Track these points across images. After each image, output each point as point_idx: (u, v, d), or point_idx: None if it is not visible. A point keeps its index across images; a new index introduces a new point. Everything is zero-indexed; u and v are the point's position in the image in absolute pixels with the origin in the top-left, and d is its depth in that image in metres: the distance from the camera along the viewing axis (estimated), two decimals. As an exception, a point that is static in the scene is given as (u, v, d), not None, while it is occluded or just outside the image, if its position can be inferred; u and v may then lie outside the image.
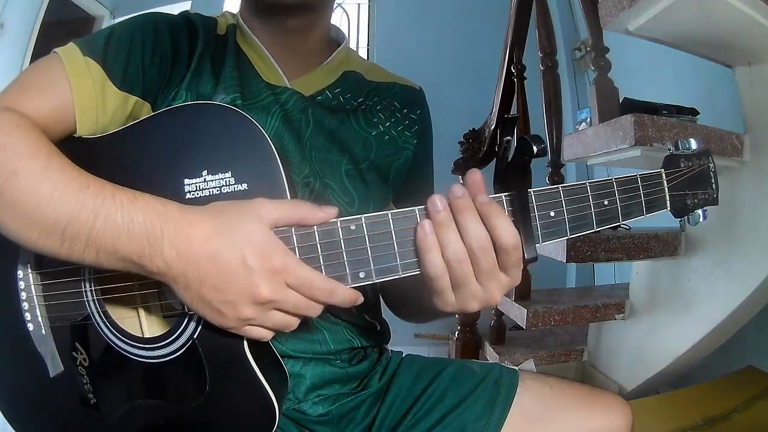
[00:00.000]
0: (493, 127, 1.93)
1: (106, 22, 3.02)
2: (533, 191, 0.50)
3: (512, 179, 0.49)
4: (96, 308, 0.57)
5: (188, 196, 0.50)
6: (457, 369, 0.71)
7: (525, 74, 1.90)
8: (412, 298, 0.61)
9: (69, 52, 0.57)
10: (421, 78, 0.82)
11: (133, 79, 0.59)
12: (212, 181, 0.50)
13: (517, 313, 1.64)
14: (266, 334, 0.49)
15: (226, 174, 0.50)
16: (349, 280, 0.49)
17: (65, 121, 0.55)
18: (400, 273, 0.49)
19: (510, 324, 1.86)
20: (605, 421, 0.66)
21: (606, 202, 0.52)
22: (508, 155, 0.50)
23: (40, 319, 0.59)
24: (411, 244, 0.48)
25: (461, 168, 2.03)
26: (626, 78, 1.68)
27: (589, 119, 1.55)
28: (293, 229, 0.48)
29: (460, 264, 0.47)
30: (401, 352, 0.79)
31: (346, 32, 0.78)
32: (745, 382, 1.42)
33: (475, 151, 2.03)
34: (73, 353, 0.58)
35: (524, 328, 1.63)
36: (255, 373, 0.51)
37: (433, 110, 0.81)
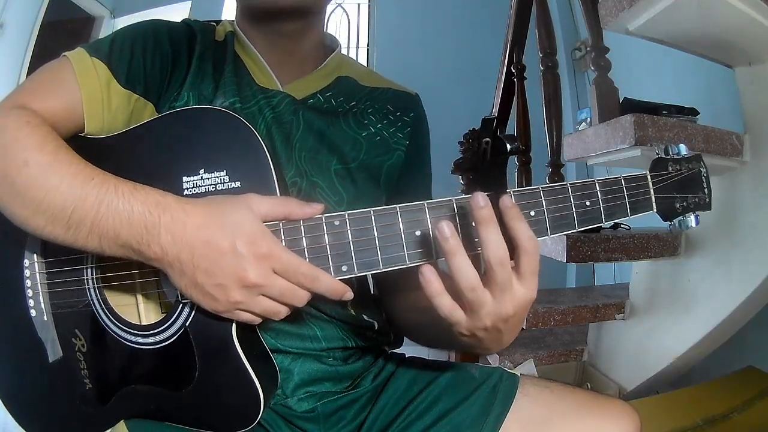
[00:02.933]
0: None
1: (106, 22, 3.03)
2: (513, 191, 0.51)
3: (491, 178, 0.50)
4: (96, 296, 0.59)
5: (186, 192, 0.54)
6: (455, 373, 0.70)
7: (525, 74, 1.90)
8: (427, 324, 0.61)
9: (77, 54, 0.61)
10: (421, 78, 0.83)
11: (135, 77, 0.62)
12: (208, 178, 0.53)
13: (517, 313, 1.63)
14: (255, 319, 0.52)
15: (221, 173, 0.54)
16: (332, 273, 0.51)
17: (74, 118, 0.59)
18: (381, 267, 0.51)
19: (510, 324, 1.85)
20: (612, 428, 0.63)
21: (588, 203, 0.52)
22: (487, 155, 0.51)
23: (42, 305, 0.61)
24: (392, 239, 0.50)
25: (461, 168, 2.03)
26: (626, 78, 1.68)
27: (589, 119, 1.55)
28: (281, 224, 0.51)
29: (474, 291, 0.46)
30: (402, 354, 0.78)
31: (346, 32, 0.79)
32: (745, 382, 1.42)
33: (475, 151, 2.02)
34: (72, 339, 0.60)
35: (524, 328, 1.63)
36: (242, 361, 0.53)
37: (434, 110, 0.81)
